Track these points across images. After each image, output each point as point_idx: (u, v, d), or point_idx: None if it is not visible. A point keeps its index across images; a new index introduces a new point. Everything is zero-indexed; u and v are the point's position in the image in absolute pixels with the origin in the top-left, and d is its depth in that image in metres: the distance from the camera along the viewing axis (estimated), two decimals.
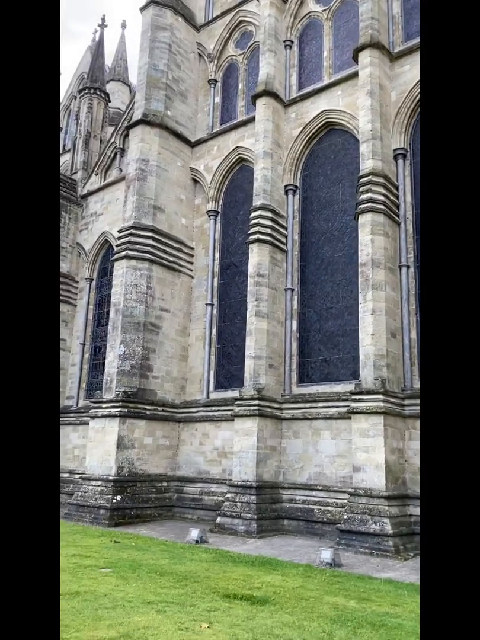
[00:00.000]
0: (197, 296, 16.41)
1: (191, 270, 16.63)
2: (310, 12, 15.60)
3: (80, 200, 21.44)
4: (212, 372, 15.39)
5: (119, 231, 15.79)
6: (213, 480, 14.14)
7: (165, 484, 14.71)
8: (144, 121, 16.14)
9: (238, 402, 12.80)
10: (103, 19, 24.62)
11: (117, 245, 15.56)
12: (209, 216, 16.55)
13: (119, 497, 13.25)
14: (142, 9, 17.52)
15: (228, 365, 15.17)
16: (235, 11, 17.44)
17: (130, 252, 15.12)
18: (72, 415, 18.77)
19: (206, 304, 15.94)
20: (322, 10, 15.30)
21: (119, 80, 35.40)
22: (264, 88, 14.68)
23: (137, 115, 16.36)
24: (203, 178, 16.85)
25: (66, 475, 18.15)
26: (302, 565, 8.70)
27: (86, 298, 20.13)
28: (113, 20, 73.00)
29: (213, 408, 14.68)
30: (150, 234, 15.43)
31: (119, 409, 13.86)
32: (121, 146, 20.63)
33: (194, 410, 15.15)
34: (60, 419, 19.01)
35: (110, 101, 23.84)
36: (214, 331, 15.66)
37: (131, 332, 14.70)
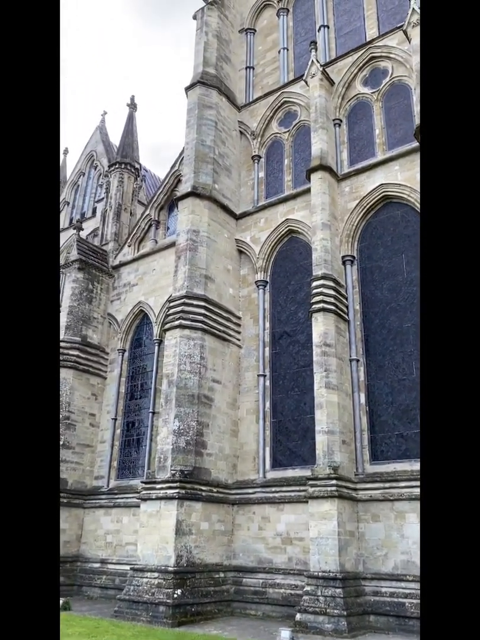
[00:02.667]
0: (246, 367, 15.81)
1: (239, 340, 16.14)
2: (358, 94, 16.23)
3: (112, 271, 21.15)
4: (268, 449, 14.50)
5: (170, 300, 15.37)
6: (278, 571, 12.90)
7: (222, 574, 13.39)
8: (193, 193, 16.19)
9: (311, 482, 11.90)
10: (132, 99, 25.50)
11: (168, 315, 15.07)
12: (258, 286, 16.30)
13: (179, 591, 11.92)
14: (188, 88, 18.10)
15: (286, 441, 14.33)
16: (279, 93, 18.11)
17: (183, 322, 14.62)
18: (103, 497, 17.42)
19: (258, 375, 15.31)
20: (371, 92, 15.93)
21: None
22: (319, 162, 14.91)
23: (187, 187, 16.42)
24: (250, 249, 16.75)
25: (97, 565, 16.60)
26: None
27: (118, 370, 19.35)
28: (114, 107, 76.43)
29: (273, 489, 13.68)
30: (202, 303, 15.03)
31: (176, 491, 12.78)
32: (156, 219, 20.70)
33: (250, 491, 14.11)
34: (90, 501, 17.65)
35: (139, 176, 24.19)
36: (267, 404, 14.94)
37: (185, 405, 13.91)
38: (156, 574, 12.31)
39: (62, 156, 46.09)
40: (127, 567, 15.64)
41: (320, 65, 16.16)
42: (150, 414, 17.55)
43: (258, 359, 15.55)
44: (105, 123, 43.10)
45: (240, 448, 15.05)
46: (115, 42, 77.98)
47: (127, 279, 20.60)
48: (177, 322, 14.67)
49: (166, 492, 12.94)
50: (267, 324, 15.81)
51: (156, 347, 18.48)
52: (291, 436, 14.28)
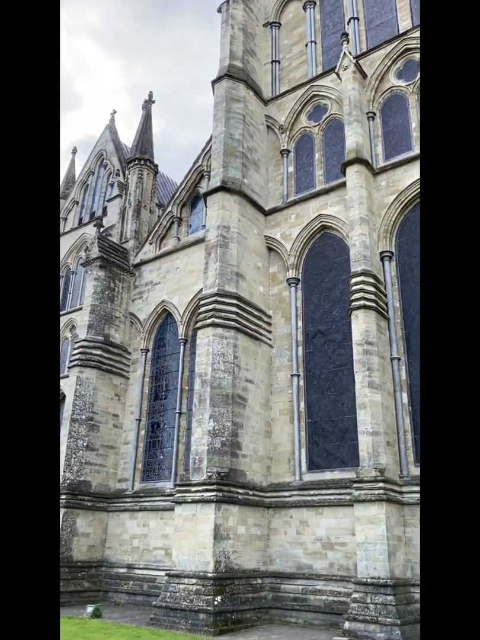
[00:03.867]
0: (278, 366, 15.37)
1: (270, 339, 15.70)
2: (392, 86, 15.83)
3: (133, 270, 20.73)
4: (303, 451, 14.06)
5: (201, 298, 14.93)
6: (319, 577, 12.45)
7: (259, 581, 12.94)
8: (223, 188, 15.76)
9: (357, 485, 11.46)
10: (150, 95, 25.12)
11: (200, 313, 14.63)
12: (289, 284, 15.87)
13: (219, 598, 11.46)
14: (215, 81, 17.70)
15: (323, 442, 13.89)
16: (308, 86, 17.71)
17: (216, 320, 14.19)
18: (128, 500, 16.97)
19: (291, 375, 14.88)
20: (406, 85, 15.53)
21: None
22: (354, 155, 14.49)
23: (216, 182, 16.00)
24: (281, 246, 16.33)
25: (123, 570, 16.14)
26: None
27: (141, 370, 18.92)
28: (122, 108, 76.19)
29: (311, 492, 13.23)
30: (234, 302, 14.60)
31: (213, 493, 12.33)
32: (178, 216, 20.29)
33: (286, 494, 13.67)
34: (115, 504, 17.21)
35: (157, 172, 23.78)
36: (302, 404, 14.50)
37: (220, 405, 13.47)
38: (194, 580, 11.85)
39: (70, 155, 45.74)
40: (156, 573, 15.26)
41: (353, 58, 15.77)
42: (177, 415, 17.13)
43: (291, 359, 15.12)
44: (115, 122, 42.81)
45: (273, 449, 14.61)
46: (118, 42, 77.82)
47: (149, 278, 20.18)
48: (209, 320, 14.24)
49: (203, 495, 12.50)
50: (300, 323, 15.37)
51: (182, 347, 18.06)
52: (328, 437, 13.84)
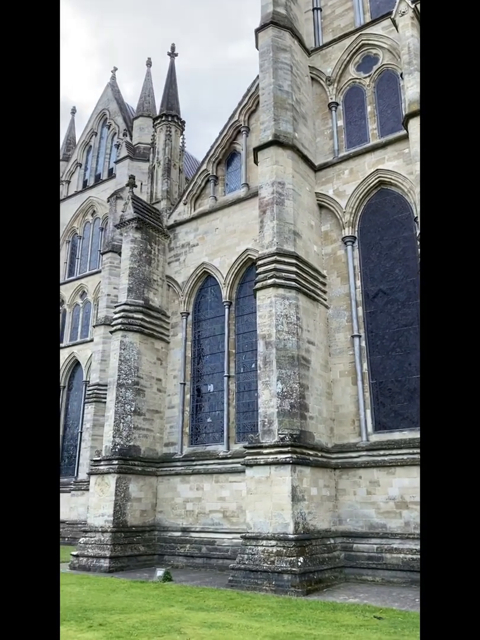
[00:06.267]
0: (336, 327, 15.07)
1: (326, 300, 15.34)
2: None
3: (168, 231, 20.07)
4: (368, 412, 13.89)
5: (259, 258, 14.43)
6: (394, 536, 12.44)
7: (331, 541, 12.92)
8: (276, 142, 15.08)
9: None
10: (173, 48, 23.90)
11: (259, 273, 14.16)
12: (345, 242, 15.41)
13: (301, 559, 11.40)
14: (259, 30, 16.76)
15: (390, 403, 13.72)
16: (357, 35, 16.87)
17: (277, 280, 13.75)
18: (179, 464, 16.81)
19: (352, 336, 14.59)
20: None
21: (147, 116, 34.74)
22: (418, 107, 13.87)
23: (267, 136, 15.29)
24: (334, 203, 15.79)
25: (178, 534, 16.10)
26: None
27: (182, 334, 18.52)
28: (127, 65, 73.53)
29: (380, 452, 13.12)
30: (293, 261, 14.14)
31: (288, 455, 12.14)
32: (214, 174, 19.56)
33: (353, 454, 13.55)
34: (163, 468, 17.06)
35: (184, 129, 22.83)
36: (364, 365, 14.26)
37: (286, 367, 13.18)
38: (273, 542, 11.77)
39: (69, 115, 44.05)
40: (214, 536, 15.24)
41: (411, 2, 14.94)
42: (225, 378, 16.84)
43: (350, 319, 14.81)
44: (116, 80, 41.15)
45: (335, 411, 14.44)
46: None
47: (186, 239, 19.56)
48: (270, 281, 13.80)
49: (276, 457, 12.31)
50: (358, 283, 15.00)
51: (226, 310, 17.64)
52: (395, 398, 13.66)
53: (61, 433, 30.31)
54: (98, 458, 16.40)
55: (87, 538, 15.49)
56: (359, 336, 14.51)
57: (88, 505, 16.33)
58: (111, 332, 18.03)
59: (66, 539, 24.47)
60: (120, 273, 18.91)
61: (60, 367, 31.50)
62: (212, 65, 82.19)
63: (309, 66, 17.61)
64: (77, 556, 15.20)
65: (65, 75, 74.45)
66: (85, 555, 15.05)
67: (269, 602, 9.90)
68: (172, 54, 23.82)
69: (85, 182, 37.93)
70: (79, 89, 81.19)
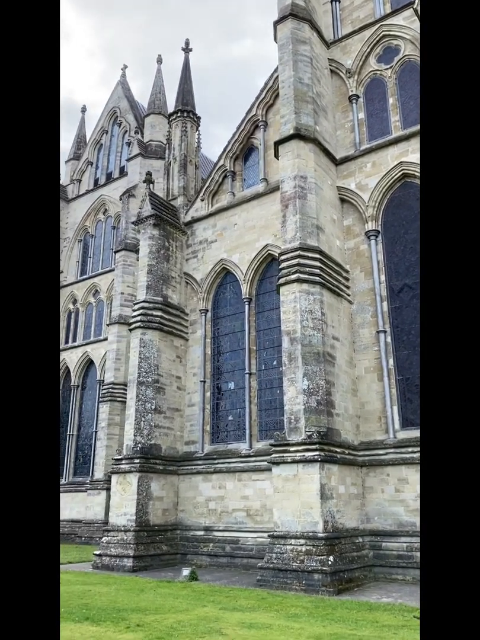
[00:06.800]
0: (360, 323, 14.84)
1: (349, 295, 15.12)
2: None
3: (185, 228, 19.90)
4: (395, 408, 13.66)
5: (281, 253, 14.21)
6: None
7: (360, 539, 12.72)
8: (297, 135, 14.85)
9: None
10: (187, 44, 23.72)
11: (282, 269, 13.95)
12: (368, 237, 15.18)
13: (332, 558, 11.19)
14: (278, 22, 16.53)
15: (418, 399, 13.48)
16: (377, 26, 16.61)
17: (301, 275, 13.54)
18: (200, 463, 16.65)
19: (377, 331, 14.37)
20: None
21: (159, 114, 34.64)
22: None
23: (288, 129, 15.07)
24: (356, 197, 15.56)
25: (200, 533, 15.94)
26: None
27: (201, 331, 18.35)
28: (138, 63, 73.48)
29: (409, 449, 12.89)
30: (317, 256, 13.92)
31: (316, 453, 11.94)
32: (231, 169, 19.37)
33: (381, 452, 13.33)
34: (185, 467, 16.91)
35: (199, 125, 22.64)
36: (390, 361, 14.03)
37: (312, 363, 12.97)
38: (302, 541, 11.57)
39: (79, 114, 43.99)
40: (238, 534, 15.07)
41: None
42: (247, 376, 16.65)
43: (374, 314, 14.58)
44: (127, 78, 41.02)
45: (361, 408, 14.22)
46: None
47: (203, 236, 19.38)
48: (294, 276, 13.60)
49: (304, 455, 12.11)
50: (383, 277, 14.76)
51: (246, 306, 17.45)
52: None
53: (75, 432, 30.28)
54: (119, 457, 16.27)
55: (110, 537, 15.36)
56: (385, 331, 14.27)
57: (110, 504, 16.21)
58: (130, 330, 17.89)
59: (83, 538, 24.44)
60: (138, 270, 18.76)
61: (74, 366, 31.45)
62: (214, 64, 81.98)
63: (329, 59, 17.37)
64: (100, 555, 15.08)
65: (68, 76, 74.52)
66: (108, 555, 14.93)
67: (302, 602, 9.72)
68: (186, 49, 23.63)
69: (96, 181, 37.87)
70: (82, 89, 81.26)
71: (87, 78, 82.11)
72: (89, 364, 31.49)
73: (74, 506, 28.07)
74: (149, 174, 19.71)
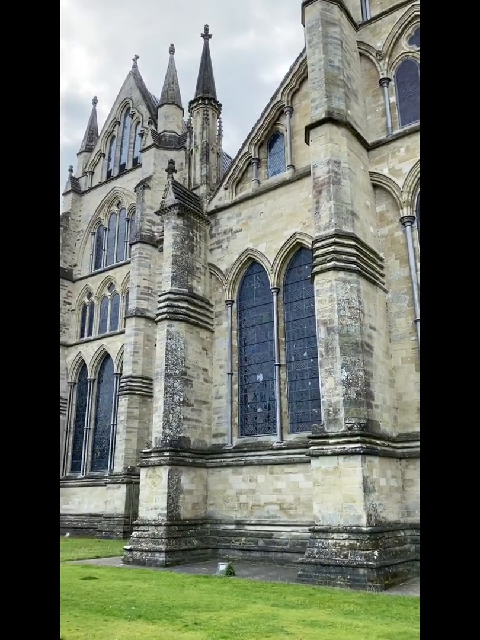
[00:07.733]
0: (396, 312, 14.46)
1: (384, 283, 14.73)
2: None
3: (208, 217, 19.52)
4: None
5: (315, 241, 13.83)
6: None
7: (402, 533, 12.40)
8: (330, 119, 14.42)
9: None
10: (206, 30, 23.25)
11: (317, 256, 13.58)
12: (403, 223, 14.77)
13: (376, 553, 10.88)
14: (306, 3, 16.05)
15: None
16: (409, 6, 16.13)
17: (337, 263, 13.16)
18: (229, 455, 16.36)
19: (414, 321, 13.99)
20: None
21: (172, 104, 34.19)
22: None
23: (320, 113, 14.65)
24: (390, 183, 15.14)
25: (232, 527, 15.68)
26: None
27: (227, 323, 18.02)
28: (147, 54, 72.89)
29: None
30: (353, 243, 13.54)
31: (358, 445, 11.61)
32: (256, 156, 18.96)
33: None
34: (214, 460, 16.63)
35: (220, 112, 22.21)
36: None
37: (350, 353, 12.61)
38: (345, 535, 11.26)
39: (91, 106, 43.52)
40: (271, 528, 14.80)
41: None
42: (276, 367, 16.31)
43: (411, 303, 14.20)
44: (138, 68, 40.50)
45: (398, 399, 13.87)
46: None
47: (228, 225, 19.01)
48: (330, 264, 13.22)
49: (345, 447, 11.78)
50: (419, 265, 14.36)
51: (274, 297, 17.09)
52: None
53: (92, 426, 30.10)
54: (148, 450, 15.99)
55: (140, 532, 15.12)
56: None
57: (139, 498, 15.92)
58: (156, 322, 17.56)
59: (103, 532, 24.24)
60: (163, 261, 18.42)
61: (90, 359, 31.23)
62: (216, 56, 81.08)
63: (357, 41, 16.91)
64: (130, 550, 14.84)
65: (68, 70, 73.89)
66: (139, 549, 14.68)
67: (351, 598, 9.42)
68: (206, 35, 23.17)
69: (109, 173, 37.50)
70: (85, 84, 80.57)
71: (89, 72, 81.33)
72: (105, 357, 31.25)
73: (92, 500, 27.94)
74: (171, 162, 19.34)
